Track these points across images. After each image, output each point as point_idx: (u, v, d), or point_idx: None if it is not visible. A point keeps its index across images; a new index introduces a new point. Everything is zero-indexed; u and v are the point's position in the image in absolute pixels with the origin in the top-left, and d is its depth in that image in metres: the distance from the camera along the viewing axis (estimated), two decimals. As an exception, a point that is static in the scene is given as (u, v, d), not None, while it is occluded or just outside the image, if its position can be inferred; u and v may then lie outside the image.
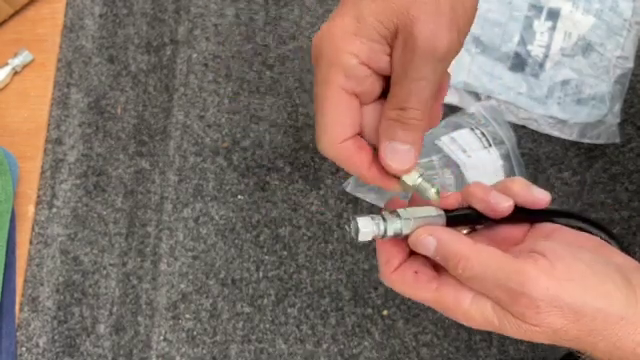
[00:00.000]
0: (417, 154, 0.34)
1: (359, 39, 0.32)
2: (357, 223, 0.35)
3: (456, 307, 0.34)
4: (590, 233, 0.38)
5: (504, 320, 0.33)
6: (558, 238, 0.37)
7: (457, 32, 0.33)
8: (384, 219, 0.35)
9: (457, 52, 0.33)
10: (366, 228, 0.35)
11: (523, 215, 0.37)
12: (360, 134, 0.36)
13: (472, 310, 0.34)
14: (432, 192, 0.35)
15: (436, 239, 0.34)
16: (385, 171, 0.35)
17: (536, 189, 0.37)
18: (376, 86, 0.35)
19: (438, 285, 0.35)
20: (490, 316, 0.34)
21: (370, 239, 0.35)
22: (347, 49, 0.32)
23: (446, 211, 0.37)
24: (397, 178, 0.35)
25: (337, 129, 0.34)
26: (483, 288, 0.33)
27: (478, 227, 0.39)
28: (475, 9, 0.34)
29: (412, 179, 0.35)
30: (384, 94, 0.35)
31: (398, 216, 0.35)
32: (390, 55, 0.33)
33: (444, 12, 0.32)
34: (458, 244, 0.34)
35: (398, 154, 0.34)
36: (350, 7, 0.33)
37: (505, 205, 0.36)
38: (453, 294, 0.34)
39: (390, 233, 0.35)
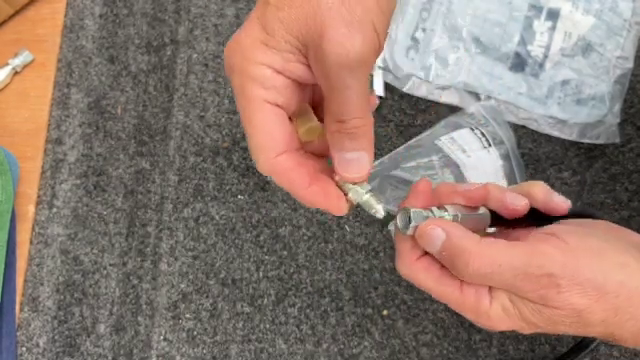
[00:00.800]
0: (370, 158, 0.33)
1: (270, 49, 0.30)
2: (410, 214, 0.34)
3: (477, 308, 0.33)
4: None
5: (525, 310, 0.32)
6: (566, 223, 0.36)
7: (373, 30, 0.30)
8: (432, 212, 0.35)
9: (378, 52, 0.31)
10: (417, 221, 0.34)
11: (543, 218, 0.37)
12: (304, 149, 0.34)
13: (493, 309, 0.33)
14: (379, 209, 0.34)
15: (446, 232, 0.33)
16: (327, 191, 0.33)
17: (556, 195, 0.37)
18: (299, 94, 0.33)
19: (461, 283, 0.34)
20: (511, 310, 0.33)
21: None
22: (259, 59, 0.30)
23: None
24: (345, 195, 0.34)
25: (269, 143, 0.32)
26: (501, 282, 0.32)
27: (489, 230, 0.39)
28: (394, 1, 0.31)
29: (359, 195, 0.34)
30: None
31: (446, 211, 0.35)
32: (307, 65, 0.31)
33: (354, 12, 0.29)
34: (467, 241, 0.33)
35: (351, 163, 0.32)
36: (258, 16, 0.30)
37: (522, 204, 0.36)
38: (474, 294, 0.33)
39: None
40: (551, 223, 0.37)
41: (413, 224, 0.34)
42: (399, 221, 0.34)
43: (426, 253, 0.35)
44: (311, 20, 0.29)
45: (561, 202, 0.36)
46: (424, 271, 0.34)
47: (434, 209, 0.35)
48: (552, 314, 0.32)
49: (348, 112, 0.31)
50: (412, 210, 0.34)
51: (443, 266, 0.34)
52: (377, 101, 0.35)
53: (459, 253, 0.32)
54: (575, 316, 0.32)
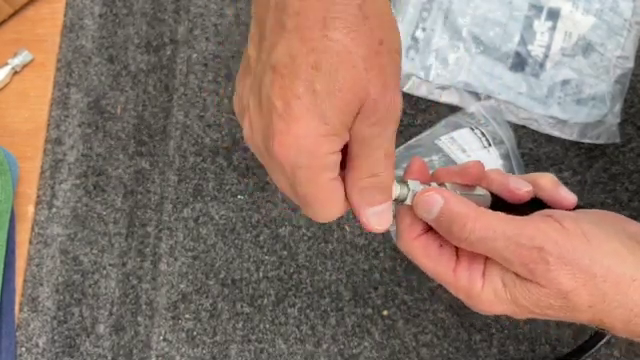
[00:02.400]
0: (390, 199, 0.34)
1: (330, 137, 0.31)
2: (408, 184, 0.35)
3: (469, 290, 0.34)
4: None
5: (514, 290, 0.33)
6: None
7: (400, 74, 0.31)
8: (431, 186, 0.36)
9: None
10: (415, 189, 0.35)
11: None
12: None
13: (484, 293, 0.34)
14: (409, 198, 0.35)
15: (444, 198, 0.34)
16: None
17: (564, 189, 0.37)
18: None
19: (455, 266, 0.35)
20: (502, 294, 0.33)
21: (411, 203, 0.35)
22: (325, 151, 0.31)
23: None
24: None
25: (338, 205, 0.33)
26: (492, 250, 0.33)
27: None
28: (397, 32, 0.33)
29: (394, 193, 0.35)
30: None
31: (445, 188, 0.36)
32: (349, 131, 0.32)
33: (392, 71, 0.30)
34: (465, 206, 0.34)
35: (382, 215, 0.33)
36: (307, 108, 0.29)
37: (525, 189, 0.36)
38: (468, 277, 0.34)
39: None
40: None
41: (411, 192, 0.34)
42: (398, 192, 0.35)
43: (425, 231, 0.36)
44: (363, 93, 0.30)
45: (569, 197, 0.37)
46: (422, 249, 0.35)
47: (433, 184, 0.36)
48: (540, 294, 0.32)
49: (382, 166, 0.32)
50: (410, 181, 0.35)
51: (441, 246, 0.35)
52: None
53: (457, 217, 0.33)
54: (562, 298, 0.32)
